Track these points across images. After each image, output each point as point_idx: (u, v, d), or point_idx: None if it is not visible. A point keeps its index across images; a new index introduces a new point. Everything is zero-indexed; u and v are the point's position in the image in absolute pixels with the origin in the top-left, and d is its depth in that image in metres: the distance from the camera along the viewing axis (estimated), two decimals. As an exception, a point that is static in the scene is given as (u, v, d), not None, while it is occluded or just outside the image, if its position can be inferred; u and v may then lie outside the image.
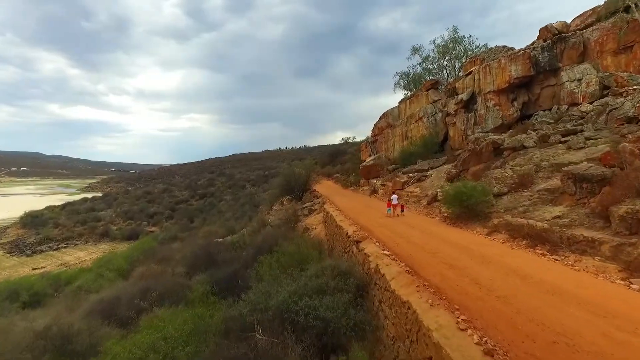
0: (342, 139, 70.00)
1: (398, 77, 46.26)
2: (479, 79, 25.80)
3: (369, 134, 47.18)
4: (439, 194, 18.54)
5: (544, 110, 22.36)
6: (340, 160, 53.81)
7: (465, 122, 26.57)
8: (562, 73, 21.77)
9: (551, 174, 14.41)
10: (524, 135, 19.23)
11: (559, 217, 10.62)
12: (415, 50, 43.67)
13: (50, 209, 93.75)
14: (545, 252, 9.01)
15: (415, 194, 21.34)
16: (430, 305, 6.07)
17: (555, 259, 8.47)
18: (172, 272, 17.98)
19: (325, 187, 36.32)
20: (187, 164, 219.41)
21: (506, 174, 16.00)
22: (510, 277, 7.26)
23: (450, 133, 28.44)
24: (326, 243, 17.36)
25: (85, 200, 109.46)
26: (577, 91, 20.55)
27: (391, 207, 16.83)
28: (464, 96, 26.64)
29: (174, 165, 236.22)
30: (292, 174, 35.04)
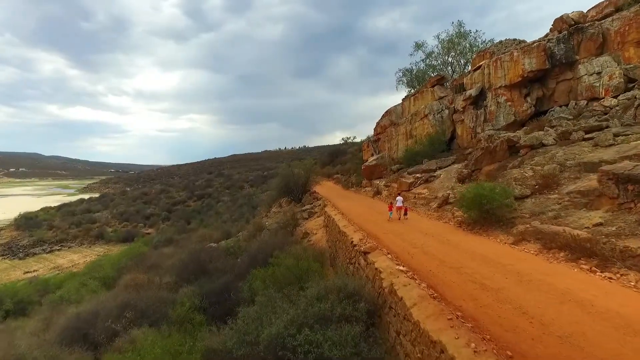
0: (342, 139, 68.49)
1: (401, 74, 44.44)
2: (489, 74, 24.27)
3: (369, 133, 45.59)
4: (450, 195, 17.08)
5: (560, 106, 20.87)
6: (340, 161, 52.33)
7: (474, 119, 25.06)
8: (579, 66, 20.26)
9: (579, 173, 12.97)
10: (542, 132, 17.78)
11: (600, 224, 9.11)
12: (418, 46, 41.88)
13: (45, 210, 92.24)
14: (594, 268, 7.48)
15: (423, 195, 19.83)
16: (475, 351, 4.51)
17: (610, 278, 6.94)
18: (160, 282, 16.47)
19: (325, 188, 34.74)
20: (186, 164, 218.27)
21: (526, 174, 14.55)
22: (565, 305, 5.71)
23: (458, 131, 26.92)
24: (328, 251, 15.81)
25: (81, 201, 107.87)
26: (597, 85, 19.05)
27: (393, 210, 15.32)
28: (472, 92, 25.12)
29: (173, 165, 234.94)
30: (291, 175, 33.40)
